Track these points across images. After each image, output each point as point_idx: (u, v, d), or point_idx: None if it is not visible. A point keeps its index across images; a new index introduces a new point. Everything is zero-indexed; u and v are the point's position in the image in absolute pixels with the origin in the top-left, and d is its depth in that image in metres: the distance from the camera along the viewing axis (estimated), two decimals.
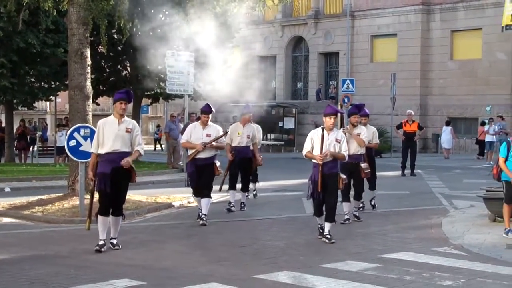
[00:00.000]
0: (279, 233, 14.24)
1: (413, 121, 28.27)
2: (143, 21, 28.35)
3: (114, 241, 12.34)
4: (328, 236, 12.93)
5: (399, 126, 28.46)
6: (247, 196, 18.36)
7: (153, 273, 10.34)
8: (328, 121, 13.07)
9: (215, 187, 16.43)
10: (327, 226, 13.02)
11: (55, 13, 23.04)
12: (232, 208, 17.41)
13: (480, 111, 43.94)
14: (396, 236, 13.87)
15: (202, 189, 15.36)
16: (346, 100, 41.41)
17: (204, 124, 15.58)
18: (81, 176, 16.51)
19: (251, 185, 19.26)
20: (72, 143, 16.12)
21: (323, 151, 12.92)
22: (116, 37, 33.22)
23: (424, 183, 24.60)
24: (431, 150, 46.14)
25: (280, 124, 50.09)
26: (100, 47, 30.79)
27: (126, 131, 12.17)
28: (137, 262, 11.19)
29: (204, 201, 15.29)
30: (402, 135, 28.04)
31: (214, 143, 15.40)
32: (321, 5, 52.56)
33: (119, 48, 35.39)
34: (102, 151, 12.13)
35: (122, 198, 12.49)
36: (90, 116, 18.69)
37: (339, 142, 13.14)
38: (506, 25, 18.35)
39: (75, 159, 16.58)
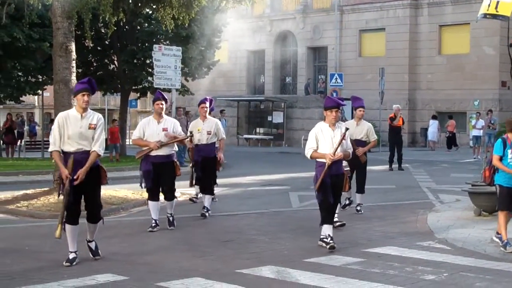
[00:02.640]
0: (264, 228, 14.21)
1: (400, 116, 28.31)
2: (129, 15, 28.27)
3: (92, 245, 10.93)
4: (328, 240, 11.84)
5: (392, 120, 28.20)
6: (213, 199, 16.57)
7: (136, 268, 10.29)
8: (330, 114, 11.80)
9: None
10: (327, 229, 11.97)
11: (39, 7, 22.95)
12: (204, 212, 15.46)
13: (468, 105, 44.07)
14: (380, 230, 13.86)
15: (165, 192, 13.94)
16: (334, 94, 41.45)
17: (159, 116, 13.77)
18: None
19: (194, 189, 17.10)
20: None
21: (337, 151, 11.59)
22: (103, 31, 33.13)
23: (411, 177, 24.63)
24: (419, 144, 46.25)
25: (269, 118, 50.07)
26: (87, 41, 30.69)
27: (90, 128, 10.58)
28: (121, 257, 11.13)
29: (168, 204, 14.05)
30: (389, 129, 28.12)
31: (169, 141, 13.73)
32: (309, 0, 52.51)
33: (106, 42, 35.31)
34: (64, 149, 10.61)
35: (96, 204, 10.90)
36: None
37: (344, 139, 11.87)
38: (481, 13, 18.20)
39: None
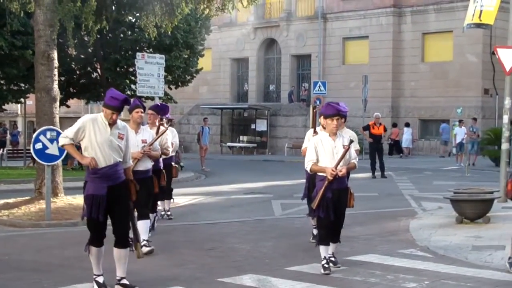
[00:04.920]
0: (246, 236, 14.18)
1: (380, 124, 28.45)
2: (112, 24, 28.22)
3: (126, 282, 9.55)
4: (333, 259, 10.95)
5: (366, 128, 28.57)
6: (169, 216, 16.30)
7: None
8: (331, 123, 10.68)
9: None
10: (332, 247, 11.00)
11: (22, 15, 22.87)
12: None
13: (451, 113, 44.24)
14: (363, 238, 13.86)
15: (138, 208, 11.52)
16: (318, 102, 41.46)
17: (137, 126, 12.07)
18: (47, 179, 16.38)
19: (160, 205, 15.84)
20: (38, 146, 15.99)
21: (339, 165, 10.56)
22: (86, 39, 33.08)
23: (394, 185, 24.66)
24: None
25: (253, 126, 50.10)
26: (70, 49, 30.62)
27: (119, 137, 9.38)
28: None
29: (141, 223, 11.77)
30: (369, 137, 28.18)
31: (150, 150, 12.18)
32: (293, 7, 52.60)
33: (89, 50, 35.22)
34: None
35: (126, 223, 9.53)
36: (57, 119, 18.50)
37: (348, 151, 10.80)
38: (467, 24, 18.39)
39: (41, 162, 16.45)
